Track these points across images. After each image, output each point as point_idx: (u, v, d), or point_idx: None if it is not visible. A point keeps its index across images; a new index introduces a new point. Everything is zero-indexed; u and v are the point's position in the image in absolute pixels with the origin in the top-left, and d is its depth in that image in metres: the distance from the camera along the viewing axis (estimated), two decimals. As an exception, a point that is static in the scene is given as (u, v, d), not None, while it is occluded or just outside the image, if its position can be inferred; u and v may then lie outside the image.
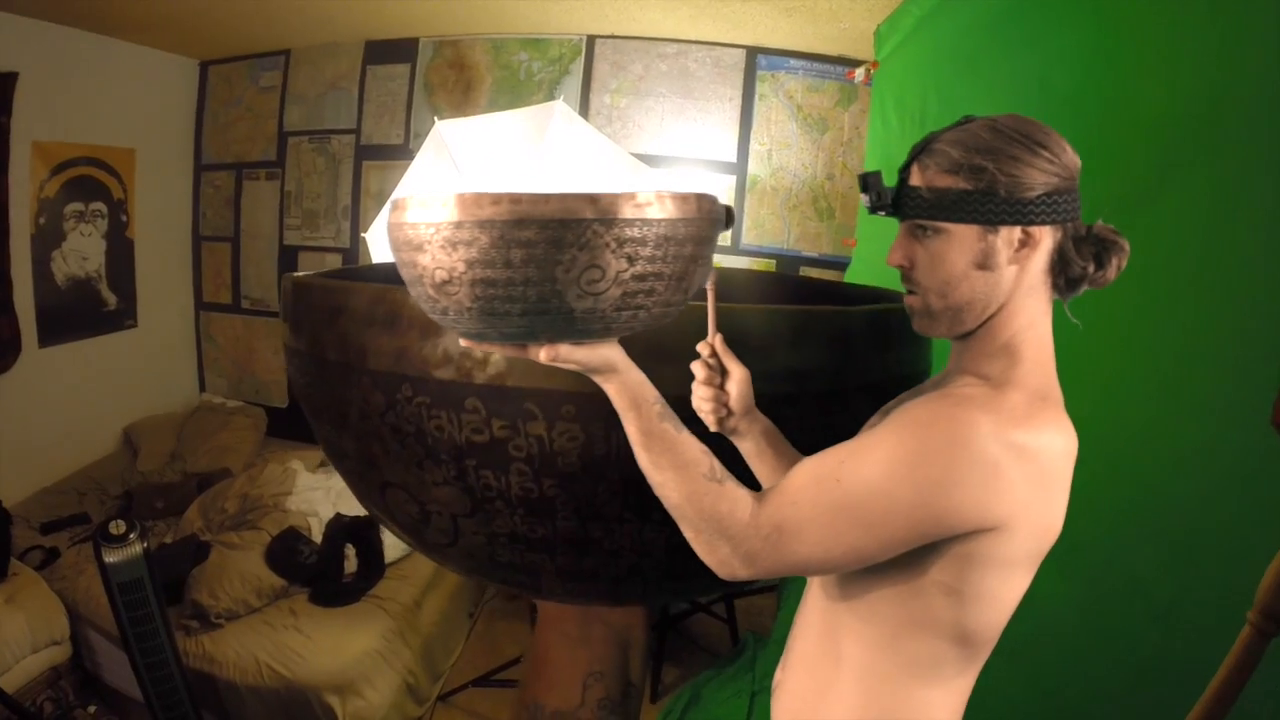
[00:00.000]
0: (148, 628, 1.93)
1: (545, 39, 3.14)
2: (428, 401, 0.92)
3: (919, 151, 0.71)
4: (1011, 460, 0.62)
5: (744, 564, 0.67)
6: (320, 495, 2.67)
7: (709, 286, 0.80)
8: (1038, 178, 0.66)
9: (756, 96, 3.09)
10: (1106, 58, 1.24)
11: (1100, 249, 0.71)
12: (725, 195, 3.13)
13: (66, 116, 2.95)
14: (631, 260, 0.59)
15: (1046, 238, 0.69)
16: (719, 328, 0.81)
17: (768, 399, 0.87)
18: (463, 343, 0.67)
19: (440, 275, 0.60)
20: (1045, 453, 0.65)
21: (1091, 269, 0.71)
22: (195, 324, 3.75)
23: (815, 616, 0.81)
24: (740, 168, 3.12)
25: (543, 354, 0.64)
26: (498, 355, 0.86)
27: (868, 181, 0.73)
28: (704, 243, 0.65)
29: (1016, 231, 0.68)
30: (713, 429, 0.83)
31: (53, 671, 2.30)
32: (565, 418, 0.88)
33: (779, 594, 3.01)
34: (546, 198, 0.56)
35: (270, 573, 2.32)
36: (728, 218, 0.73)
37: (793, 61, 3.07)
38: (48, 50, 2.83)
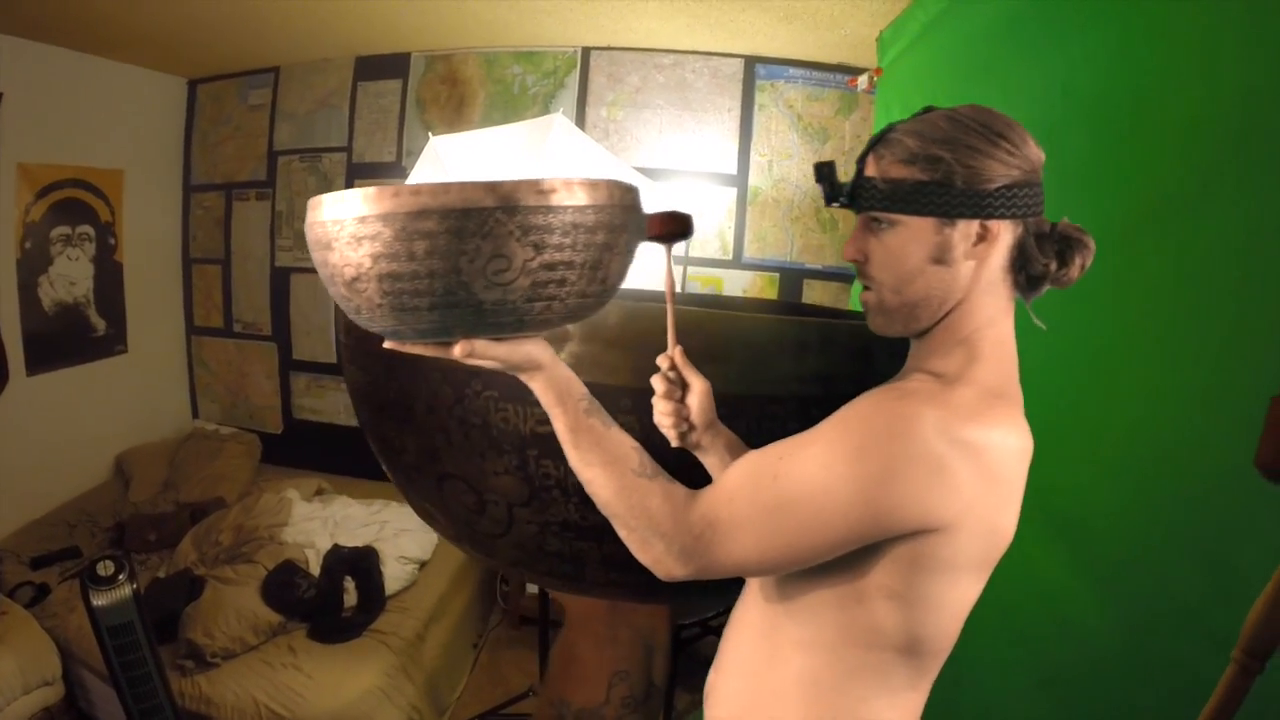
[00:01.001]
0: (140, 672, 1.85)
1: (539, 51, 3.09)
2: (496, 395, 0.97)
3: (875, 142, 0.69)
4: (958, 457, 0.59)
5: (678, 562, 0.65)
6: (317, 526, 2.59)
7: (667, 298, 0.79)
8: (997, 169, 0.64)
9: (756, 106, 3.04)
10: (1135, 60, 1.19)
11: (1064, 246, 0.68)
12: (726, 208, 3.09)
13: (52, 138, 2.88)
14: (538, 248, 0.58)
15: (1006, 233, 0.66)
16: (678, 339, 0.80)
17: (799, 399, 0.95)
18: (386, 344, 0.65)
19: (349, 272, 0.59)
20: (995, 451, 0.61)
21: (1054, 267, 0.68)
22: (187, 349, 3.67)
23: (754, 618, 0.77)
24: (741, 180, 3.07)
25: (457, 350, 0.62)
26: (562, 355, 0.85)
27: (822, 171, 0.71)
28: (617, 230, 0.63)
29: (974, 225, 0.65)
30: (675, 444, 0.80)
31: (45, 713, 2.21)
32: (623, 410, 0.89)
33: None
34: (446, 187, 0.55)
35: (267, 609, 2.23)
36: (681, 225, 0.73)
37: (792, 70, 3.02)
38: (33, 70, 2.77)
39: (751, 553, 0.64)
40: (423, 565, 2.60)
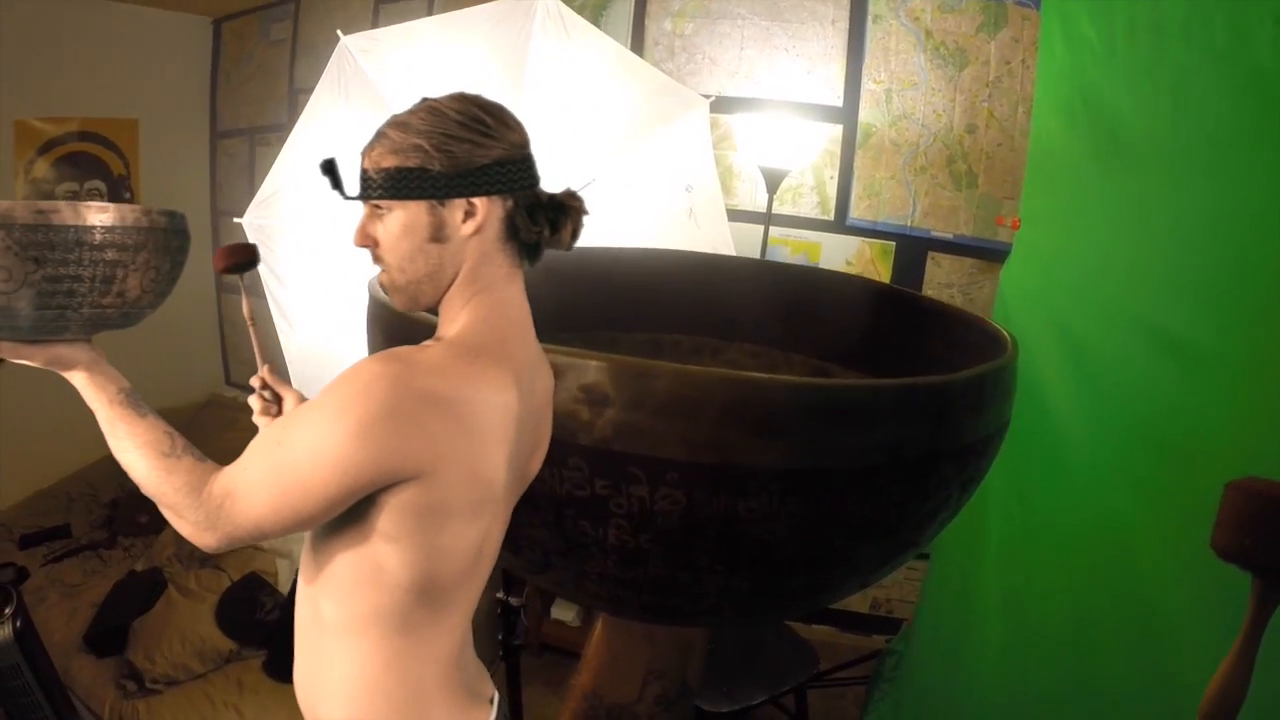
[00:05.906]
0: (36, 716, 1.52)
1: (592, -45, 2.49)
2: None
3: (373, 137, 0.74)
4: (425, 410, 0.65)
5: (207, 532, 0.69)
6: (301, 528, 2.20)
7: (249, 323, 0.94)
8: (476, 152, 0.71)
9: (869, 18, 2.33)
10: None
11: (557, 214, 0.77)
12: (827, 152, 2.39)
13: (55, 89, 2.62)
14: (39, 262, 0.65)
15: (496, 207, 0.74)
16: (265, 359, 0.93)
17: (859, 471, 0.94)
18: None
19: None
20: (467, 404, 0.68)
21: (547, 234, 0.76)
22: (218, 309, 3.42)
23: (304, 582, 0.80)
24: (848, 114, 2.37)
25: None
26: (601, 422, 0.93)
27: (327, 166, 0.74)
28: (133, 250, 0.71)
29: (462, 204, 0.72)
30: None
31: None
32: (669, 484, 0.91)
33: (869, 691, 2.30)
34: None
35: (218, 633, 1.87)
36: (242, 258, 0.90)
37: (921, -30, 2.30)
38: (31, 15, 2.49)
39: (267, 515, 0.67)
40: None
